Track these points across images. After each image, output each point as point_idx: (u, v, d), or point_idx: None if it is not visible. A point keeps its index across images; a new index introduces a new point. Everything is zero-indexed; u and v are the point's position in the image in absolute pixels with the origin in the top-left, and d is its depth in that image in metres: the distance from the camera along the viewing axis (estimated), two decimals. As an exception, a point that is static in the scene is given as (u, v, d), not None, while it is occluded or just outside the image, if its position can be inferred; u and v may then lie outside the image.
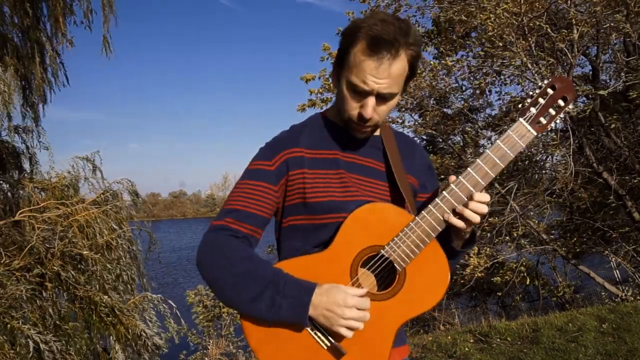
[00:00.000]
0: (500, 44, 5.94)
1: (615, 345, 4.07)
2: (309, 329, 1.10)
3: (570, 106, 1.04)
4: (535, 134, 1.08)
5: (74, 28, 4.18)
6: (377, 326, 1.11)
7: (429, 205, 1.12)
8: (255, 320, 1.12)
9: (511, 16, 5.59)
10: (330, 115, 1.30)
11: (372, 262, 1.14)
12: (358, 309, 1.07)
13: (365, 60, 1.08)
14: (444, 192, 1.11)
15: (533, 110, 1.08)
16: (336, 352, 1.11)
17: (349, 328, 1.07)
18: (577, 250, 8.39)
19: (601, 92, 5.81)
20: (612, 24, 5.85)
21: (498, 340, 4.63)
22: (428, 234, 1.10)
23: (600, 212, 7.57)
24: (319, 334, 1.11)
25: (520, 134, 1.08)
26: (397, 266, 1.11)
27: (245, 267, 1.10)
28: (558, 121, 1.09)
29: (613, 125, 6.08)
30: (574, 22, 5.78)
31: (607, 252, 8.14)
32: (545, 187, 7.56)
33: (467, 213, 1.09)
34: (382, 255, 1.12)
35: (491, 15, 5.62)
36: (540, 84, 1.12)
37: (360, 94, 1.12)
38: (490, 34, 5.79)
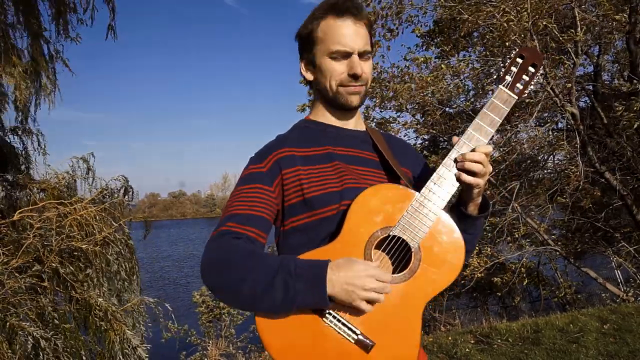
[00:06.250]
0: (508, 44, 5.91)
1: (617, 346, 4.04)
2: (332, 325, 1.06)
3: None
4: (517, 98, 1.15)
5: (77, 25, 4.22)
6: (403, 310, 1.08)
7: (433, 176, 1.12)
8: (273, 326, 1.06)
9: (528, 18, 5.56)
10: (314, 116, 1.31)
11: (385, 244, 1.11)
12: (377, 280, 1.03)
13: (336, 25, 1.17)
14: (444, 160, 1.13)
15: (509, 78, 1.15)
16: (364, 344, 1.06)
17: (370, 301, 1.02)
18: (579, 250, 8.37)
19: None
20: (614, 24, 5.83)
21: (499, 341, 4.61)
22: (435, 207, 1.10)
23: (602, 212, 7.54)
24: (344, 328, 1.06)
25: (503, 99, 1.14)
26: (411, 244, 1.09)
27: (251, 262, 1.04)
28: (532, 87, 1.17)
29: (637, 125, 5.97)
30: (579, 24, 5.75)
31: (608, 252, 8.11)
32: (548, 187, 7.54)
33: (470, 165, 1.09)
34: (394, 236, 1.10)
35: (512, 18, 5.58)
36: (515, 59, 1.20)
37: (344, 57, 1.19)
38: (513, 37, 5.75)
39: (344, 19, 1.17)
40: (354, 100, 1.22)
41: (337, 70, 1.19)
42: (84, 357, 3.02)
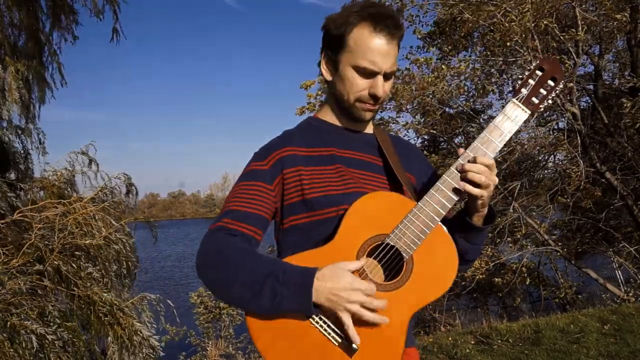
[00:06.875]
0: (509, 45, 5.90)
1: (617, 347, 4.04)
2: (318, 326, 1.06)
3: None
4: (530, 112, 1.10)
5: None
6: (389, 318, 1.07)
7: (433, 187, 1.10)
8: (261, 321, 1.07)
9: (529, 19, 5.56)
10: (322, 115, 1.30)
11: (378, 251, 1.10)
12: (364, 294, 1.02)
13: (370, 40, 1.12)
14: (446, 172, 1.11)
15: (524, 91, 1.10)
16: (348, 349, 1.06)
17: (354, 313, 1.02)
18: (580, 250, 8.36)
19: None
20: (615, 24, 5.83)
21: (499, 341, 4.60)
22: (433, 218, 1.08)
23: (603, 213, 7.54)
24: (329, 331, 1.06)
25: (515, 115, 1.10)
26: (403, 254, 1.08)
27: (244, 263, 1.05)
28: (549, 102, 1.12)
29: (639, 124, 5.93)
30: (580, 23, 5.75)
31: (609, 252, 8.11)
32: (549, 187, 7.54)
33: (473, 176, 1.07)
34: (388, 244, 1.09)
35: (515, 18, 5.57)
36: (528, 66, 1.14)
37: (369, 75, 1.15)
38: (515, 39, 5.74)
39: (380, 36, 1.11)
40: (367, 116, 1.22)
41: (359, 85, 1.16)
42: (85, 357, 3.01)
